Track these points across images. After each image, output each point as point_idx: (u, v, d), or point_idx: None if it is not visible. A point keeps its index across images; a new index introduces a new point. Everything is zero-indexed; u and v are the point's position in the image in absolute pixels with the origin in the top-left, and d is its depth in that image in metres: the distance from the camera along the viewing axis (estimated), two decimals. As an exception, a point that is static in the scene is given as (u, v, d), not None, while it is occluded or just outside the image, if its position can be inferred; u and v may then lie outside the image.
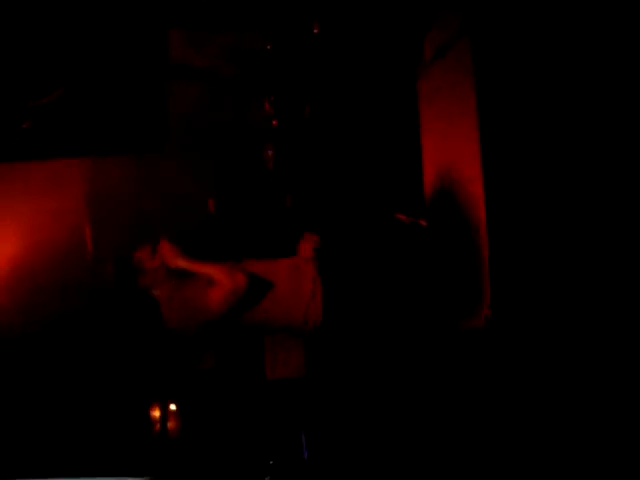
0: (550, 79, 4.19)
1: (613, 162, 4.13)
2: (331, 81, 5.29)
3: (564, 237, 4.10)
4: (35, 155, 5.38)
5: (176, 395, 5.23)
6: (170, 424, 5.18)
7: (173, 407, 5.20)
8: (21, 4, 5.27)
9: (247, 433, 5.07)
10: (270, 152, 5.37)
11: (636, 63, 4.10)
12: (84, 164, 5.46)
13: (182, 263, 4.38)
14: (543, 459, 4.04)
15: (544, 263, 4.11)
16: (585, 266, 4.09)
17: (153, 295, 4.35)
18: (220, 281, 4.28)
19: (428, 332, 4.49)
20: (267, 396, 5.14)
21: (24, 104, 5.30)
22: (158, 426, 5.17)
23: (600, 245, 4.09)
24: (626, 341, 3.99)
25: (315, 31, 5.19)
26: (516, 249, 4.18)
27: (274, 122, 5.35)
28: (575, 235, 4.09)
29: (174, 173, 5.45)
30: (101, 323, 5.18)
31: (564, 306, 4.06)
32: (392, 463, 4.54)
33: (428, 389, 4.47)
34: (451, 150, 4.62)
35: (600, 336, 4.03)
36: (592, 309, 4.06)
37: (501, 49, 4.19)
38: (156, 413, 5.18)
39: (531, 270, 4.12)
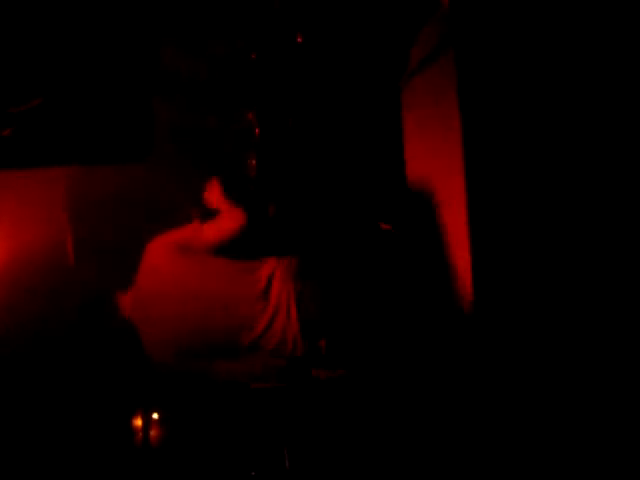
0: (533, 89, 4.22)
1: (596, 163, 4.17)
2: (314, 91, 5.29)
3: (546, 230, 4.14)
4: (16, 163, 5.33)
5: (158, 403, 5.21)
6: (152, 432, 5.16)
7: (155, 416, 5.18)
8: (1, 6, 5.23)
9: (229, 442, 5.06)
10: (253, 161, 5.36)
11: (621, 75, 4.13)
12: (67, 172, 5.42)
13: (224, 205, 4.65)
14: (530, 447, 4.06)
15: (527, 253, 4.13)
16: (567, 255, 4.12)
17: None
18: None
19: (413, 337, 4.49)
20: (250, 404, 5.13)
21: (4, 111, 5.25)
22: (140, 434, 5.15)
23: (582, 236, 4.13)
24: (611, 330, 4.02)
25: (299, 40, 5.19)
26: (499, 245, 4.20)
27: (256, 131, 5.34)
28: (557, 227, 4.13)
29: (158, 181, 5.43)
30: (85, 329, 5.16)
31: (546, 293, 4.09)
32: (376, 469, 4.54)
33: (414, 387, 4.47)
34: (434, 161, 4.64)
35: (585, 323, 4.05)
36: (575, 295, 4.10)
37: (485, 61, 4.21)
38: (138, 422, 5.17)
39: (514, 260, 4.14)
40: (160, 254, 4.67)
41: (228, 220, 4.76)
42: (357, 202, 5.19)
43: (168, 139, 5.44)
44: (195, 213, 5.21)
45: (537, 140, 4.18)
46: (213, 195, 4.88)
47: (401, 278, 4.56)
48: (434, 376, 4.38)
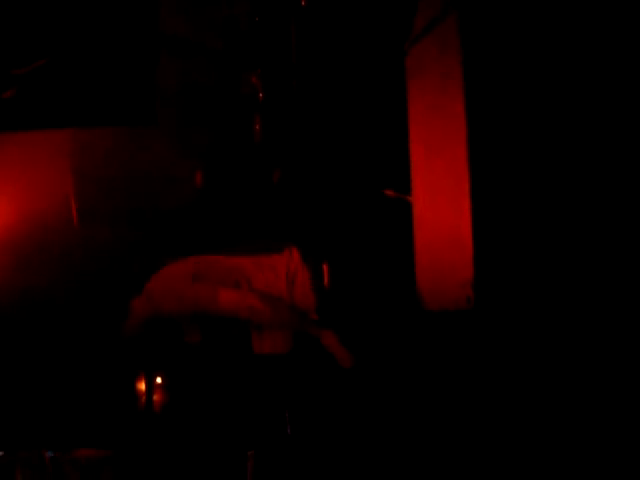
0: (536, 53, 4.18)
1: (600, 151, 4.12)
2: (318, 54, 5.23)
3: (547, 221, 4.10)
4: (19, 125, 5.32)
5: (162, 368, 5.22)
6: (156, 397, 5.18)
7: (159, 380, 5.19)
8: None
9: (232, 408, 5.07)
10: (257, 126, 5.32)
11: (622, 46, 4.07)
12: (70, 135, 5.40)
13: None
14: (526, 437, 4.05)
15: (526, 245, 4.10)
16: (566, 250, 4.08)
17: None
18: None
19: (413, 312, 4.49)
20: (253, 371, 5.13)
21: (6, 73, 5.23)
22: (143, 399, 5.16)
23: (581, 232, 4.09)
24: (609, 326, 3.99)
25: (302, 3, 5.13)
26: (500, 228, 4.17)
27: (260, 95, 5.30)
28: (556, 221, 4.09)
29: (162, 146, 5.41)
30: (87, 298, 5.18)
31: (545, 287, 4.06)
32: (376, 441, 4.54)
33: (413, 368, 4.47)
34: (437, 126, 4.60)
35: (582, 317, 4.03)
36: (573, 289, 4.07)
37: (487, 25, 4.17)
38: (142, 386, 5.18)
39: (514, 251, 4.11)
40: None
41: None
42: (361, 167, 5.16)
43: (171, 104, 5.41)
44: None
45: (539, 101, 4.14)
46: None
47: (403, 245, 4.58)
48: (432, 346, 4.38)
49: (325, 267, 4.68)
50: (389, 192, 5.02)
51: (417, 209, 4.77)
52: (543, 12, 4.11)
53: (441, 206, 4.54)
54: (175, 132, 5.39)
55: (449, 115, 4.44)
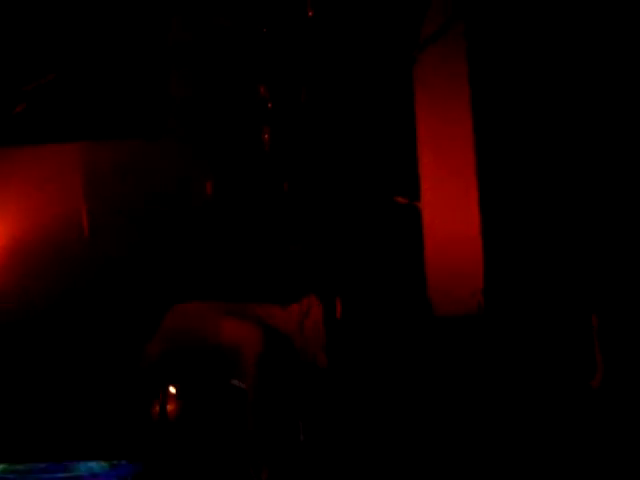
0: (542, 59, 4.19)
1: (609, 156, 4.13)
2: (326, 64, 5.25)
3: (556, 227, 4.10)
4: (30, 140, 5.34)
5: (175, 379, 5.22)
6: (169, 407, 5.18)
7: (172, 390, 5.20)
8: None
9: (245, 416, 5.07)
10: (266, 136, 5.34)
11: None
12: (81, 148, 5.43)
13: None
14: (534, 440, 4.05)
15: (536, 250, 4.11)
16: (576, 256, 4.09)
17: None
18: None
19: (424, 318, 4.50)
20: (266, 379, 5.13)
21: (18, 88, 5.26)
22: (157, 408, 5.17)
23: (591, 237, 4.09)
24: (618, 329, 3.99)
25: (309, 14, 5.15)
26: (509, 234, 4.18)
27: (269, 105, 5.32)
28: (567, 227, 4.09)
29: (171, 157, 5.43)
30: (98, 305, 5.20)
31: (554, 293, 4.07)
32: (388, 447, 4.55)
33: (424, 373, 4.48)
34: (445, 133, 4.62)
35: (592, 323, 4.03)
36: (584, 295, 4.07)
37: (494, 33, 4.18)
38: (155, 396, 5.18)
39: (523, 257, 4.12)
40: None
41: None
42: (370, 174, 5.17)
43: (182, 114, 5.43)
44: None
45: (544, 106, 4.15)
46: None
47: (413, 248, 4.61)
48: (442, 350, 4.39)
49: (338, 301, 4.69)
50: (399, 199, 5.03)
51: (426, 215, 4.78)
52: (549, 19, 4.13)
53: (450, 212, 4.55)
54: (185, 143, 5.41)
55: (457, 122, 4.45)
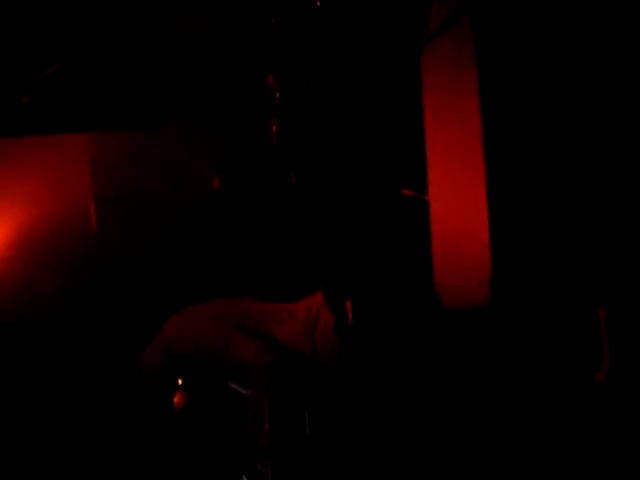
0: (550, 51, 4.18)
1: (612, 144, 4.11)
2: (334, 55, 5.24)
3: (564, 219, 4.10)
4: (37, 130, 5.33)
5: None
6: (176, 398, 5.17)
7: (179, 381, 5.19)
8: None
9: (251, 407, 5.07)
10: (274, 127, 5.33)
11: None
12: (88, 138, 5.43)
13: None
14: (541, 432, 4.04)
15: (543, 243, 4.10)
16: (583, 247, 4.08)
17: None
18: None
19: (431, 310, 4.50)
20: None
21: (24, 78, 5.24)
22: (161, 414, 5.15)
23: (597, 230, 4.09)
24: (625, 323, 3.98)
25: (317, 4, 5.13)
26: (517, 226, 4.18)
27: (277, 95, 5.30)
28: (574, 218, 4.09)
29: (179, 148, 5.43)
30: (104, 299, 5.19)
31: (561, 286, 4.06)
32: (392, 439, 4.54)
33: (432, 365, 4.47)
34: (453, 125, 4.61)
35: (600, 315, 4.02)
36: (591, 287, 4.06)
37: (501, 25, 4.18)
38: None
39: (531, 249, 4.11)
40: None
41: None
42: (378, 166, 5.16)
43: (189, 104, 5.42)
44: None
45: (553, 100, 4.14)
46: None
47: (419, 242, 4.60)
48: (449, 342, 4.38)
49: (348, 304, 4.68)
50: (407, 191, 5.02)
51: (434, 208, 4.78)
52: (555, 11, 4.11)
53: (458, 205, 4.54)
54: (192, 134, 5.41)
55: (465, 114, 4.44)
